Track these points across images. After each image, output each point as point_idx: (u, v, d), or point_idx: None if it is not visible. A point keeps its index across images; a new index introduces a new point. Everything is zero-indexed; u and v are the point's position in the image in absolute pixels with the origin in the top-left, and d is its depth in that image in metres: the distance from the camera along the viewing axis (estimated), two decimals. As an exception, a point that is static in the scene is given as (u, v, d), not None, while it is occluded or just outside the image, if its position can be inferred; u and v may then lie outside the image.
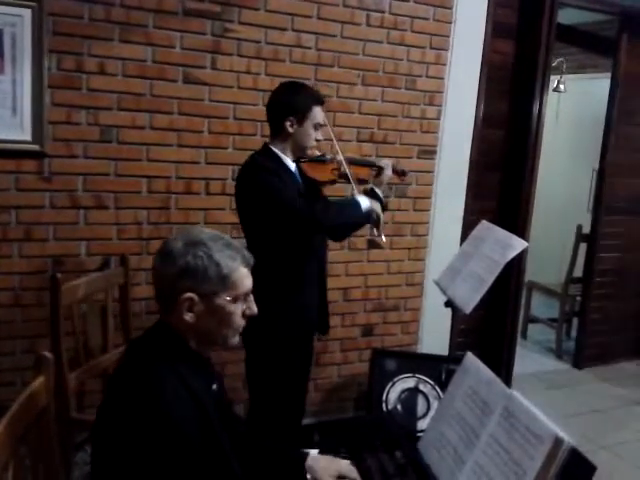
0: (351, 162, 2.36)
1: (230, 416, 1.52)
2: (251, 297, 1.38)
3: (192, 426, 1.23)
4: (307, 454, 1.56)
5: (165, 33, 2.67)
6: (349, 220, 2.22)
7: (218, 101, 2.82)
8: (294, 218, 2.08)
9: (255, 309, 1.39)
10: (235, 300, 1.33)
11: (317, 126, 2.19)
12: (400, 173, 2.49)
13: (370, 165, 2.45)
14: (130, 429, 1.20)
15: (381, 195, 2.35)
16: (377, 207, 2.24)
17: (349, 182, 2.30)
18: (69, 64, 2.54)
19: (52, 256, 2.62)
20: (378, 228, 2.27)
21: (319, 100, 2.21)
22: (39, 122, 2.50)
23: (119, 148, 2.68)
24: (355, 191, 2.27)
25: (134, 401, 1.22)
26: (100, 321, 2.43)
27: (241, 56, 2.83)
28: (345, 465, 1.55)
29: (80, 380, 2.33)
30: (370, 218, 2.22)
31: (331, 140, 2.38)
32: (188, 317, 1.30)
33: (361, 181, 2.38)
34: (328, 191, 2.53)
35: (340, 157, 2.31)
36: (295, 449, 1.60)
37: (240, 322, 1.37)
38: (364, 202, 2.20)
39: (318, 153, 2.35)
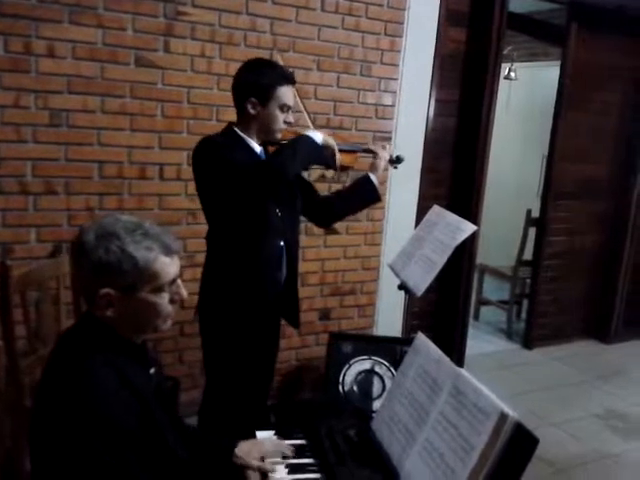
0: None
1: (169, 398, 1.51)
2: (178, 282, 1.33)
3: (129, 418, 1.20)
4: (236, 443, 1.55)
5: (116, 15, 2.62)
6: (309, 158, 2.06)
7: (172, 85, 2.79)
8: (252, 176, 1.93)
9: (184, 293, 1.34)
10: (158, 291, 1.28)
11: (284, 107, 2.04)
12: (395, 160, 2.36)
13: (356, 150, 2.30)
14: (65, 428, 1.15)
15: (376, 184, 2.26)
16: (330, 140, 2.10)
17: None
18: (17, 46, 2.47)
19: (1, 243, 2.56)
20: (334, 165, 2.13)
21: (286, 79, 2.04)
22: (-15, 105, 2.43)
23: (69, 133, 2.62)
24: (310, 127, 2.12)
25: (68, 398, 1.17)
26: (52, 309, 2.39)
27: (195, 39, 2.80)
28: (269, 445, 1.57)
29: (33, 369, 2.29)
30: (325, 151, 2.09)
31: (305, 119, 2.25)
32: (109, 312, 1.25)
33: (342, 168, 2.23)
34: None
35: None
36: (225, 439, 1.58)
37: (168, 309, 1.32)
38: (316, 136, 2.04)
39: (292, 136, 2.15)
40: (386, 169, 2.40)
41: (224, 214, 2.07)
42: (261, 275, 2.13)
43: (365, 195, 2.34)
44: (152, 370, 1.39)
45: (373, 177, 2.31)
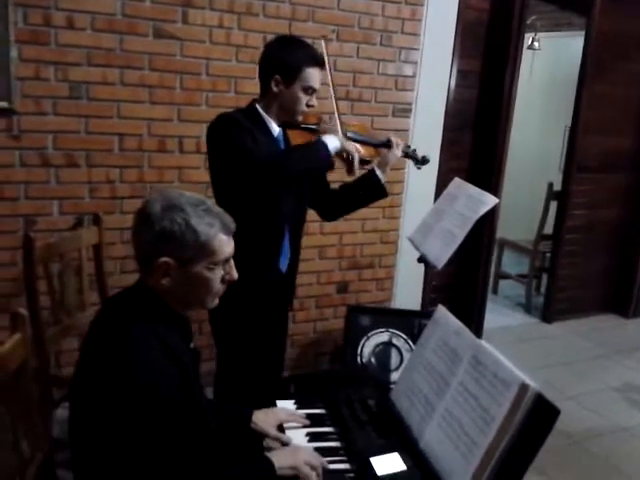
0: (351, 137, 2.12)
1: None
2: (231, 262, 1.38)
3: (171, 387, 1.24)
4: (252, 411, 1.60)
5: (134, -14, 2.60)
6: (316, 167, 2.01)
7: (190, 56, 2.77)
8: (254, 168, 1.88)
9: (235, 275, 1.40)
10: (213, 267, 1.33)
11: (309, 90, 1.97)
12: (420, 161, 2.28)
13: (375, 144, 2.21)
14: (108, 393, 1.19)
15: (382, 179, 2.15)
16: (350, 146, 2.02)
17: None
18: (36, 18, 2.47)
19: (24, 215, 2.59)
20: (351, 170, 2.03)
21: (315, 60, 1.97)
22: (7, 78, 2.43)
23: (89, 105, 2.63)
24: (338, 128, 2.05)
25: (112, 364, 1.21)
26: (75, 280, 2.43)
27: (213, 10, 2.77)
28: (283, 413, 1.62)
29: (57, 338, 2.34)
30: (331, 160, 2.00)
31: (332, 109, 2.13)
32: (165, 281, 1.30)
33: (362, 162, 2.10)
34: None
35: (338, 129, 2.09)
36: (241, 408, 1.63)
37: (219, 287, 1.37)
38: (333, 142, 1.97)
39: (314, 120, 2.11)
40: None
41: (231, 194, 2.01)
42: (262, 258, 2.07)
43: (371, 191, 2.22)
44: (192, 344, 1.44)
45: (379, 172, 2.18)
